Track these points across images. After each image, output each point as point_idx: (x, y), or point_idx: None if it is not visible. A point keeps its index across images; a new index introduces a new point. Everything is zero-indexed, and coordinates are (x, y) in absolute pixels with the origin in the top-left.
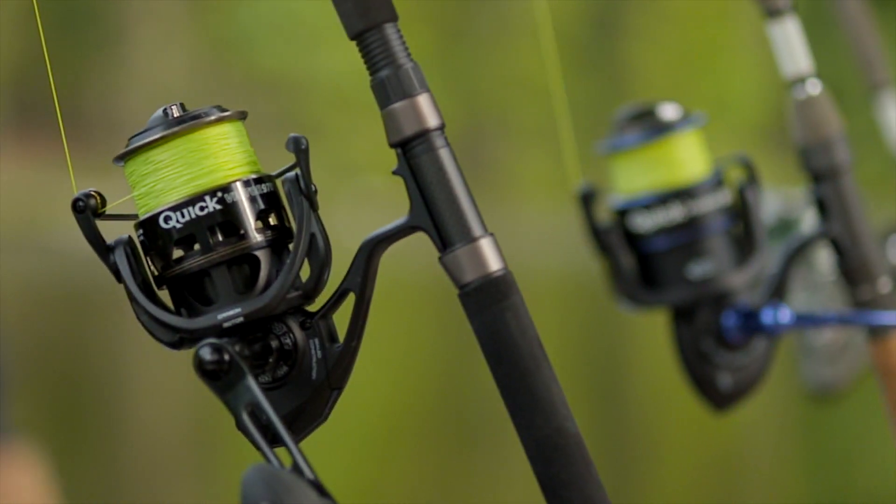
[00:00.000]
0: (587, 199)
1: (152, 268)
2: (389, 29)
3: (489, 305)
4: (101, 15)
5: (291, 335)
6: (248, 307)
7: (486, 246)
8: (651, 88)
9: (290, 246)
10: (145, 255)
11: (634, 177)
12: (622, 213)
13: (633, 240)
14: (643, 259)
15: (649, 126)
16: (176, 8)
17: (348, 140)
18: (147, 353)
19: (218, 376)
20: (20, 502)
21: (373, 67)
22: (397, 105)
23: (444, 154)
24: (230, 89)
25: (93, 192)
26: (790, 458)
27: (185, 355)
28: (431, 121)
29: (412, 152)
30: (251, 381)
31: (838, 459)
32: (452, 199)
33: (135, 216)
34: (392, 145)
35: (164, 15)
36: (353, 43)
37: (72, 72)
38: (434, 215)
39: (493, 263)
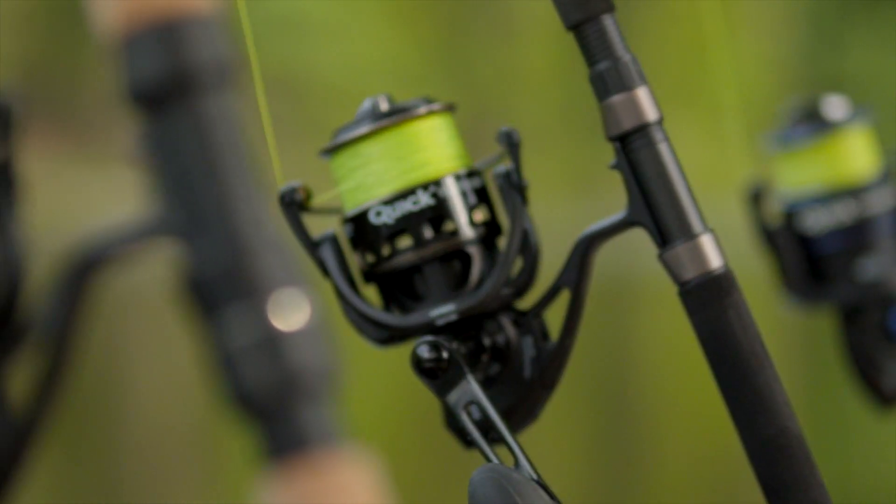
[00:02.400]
0: (756, 198)
1: (360, 263)
2: (607, 20)
3: (711, 303)
4: None
5: (504, 333)
6: (461, 304)
7: (706, 243)
8: (657, 81)
9: (500, 241)
10: (354, 250)
11: (804, 175)
12: (791, 213)
13: (803, 239)
14: (812, 259)
15: (818, 122)
16: None
17: None
18: (149, 353)
19: (436, 374)
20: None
21: (590, 59)
22: (616, 98)
23: (664, 148)
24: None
25: (299, 186)
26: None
27: (184, 357)
28: (651, 114)
29: (631, 146)
30: (472, 379)
31: (839, 456)
32: (673, 194)
33: (338, 211)
34: (610, 139)
35: None
36: (362, 40)
37: (70, 70)
38: (654, 211)
39: (714, 260)
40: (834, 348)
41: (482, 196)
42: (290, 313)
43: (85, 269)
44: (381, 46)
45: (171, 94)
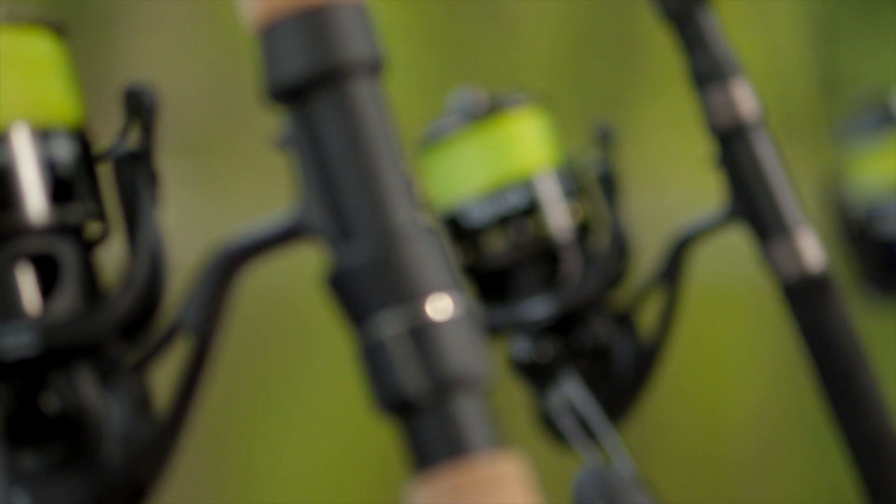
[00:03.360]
0: (834, 194)
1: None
2: (704, 11)
3: (813, 301)
4: (113, 10)
5: (599, 332)
6: (558, 303)
7: (808, 241)
8: (664, 68)
9: (591, 237)
10: None
11: (881, 171)
12: (870, 208)
13: (882, 234)
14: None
15: (888, 117)
16: (189, 6)
17: None
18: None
19: (535, 371)
20: None
21: (687, 52)
22: (714, 92)
23: (764, 143)
24: (245, 88)
25: None
26: (787, 453)
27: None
28: (748, 109)
29: (731, 142)
30: (572, 377)
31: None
32: (774, 191)
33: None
34: (711, 133)
35: (179, 13)
36: None
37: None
38: (755, 208)
39: (817, 259)
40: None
41: (577, 192)
42: (445, 313)
43: (229, 268)
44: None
45: (320, 84)
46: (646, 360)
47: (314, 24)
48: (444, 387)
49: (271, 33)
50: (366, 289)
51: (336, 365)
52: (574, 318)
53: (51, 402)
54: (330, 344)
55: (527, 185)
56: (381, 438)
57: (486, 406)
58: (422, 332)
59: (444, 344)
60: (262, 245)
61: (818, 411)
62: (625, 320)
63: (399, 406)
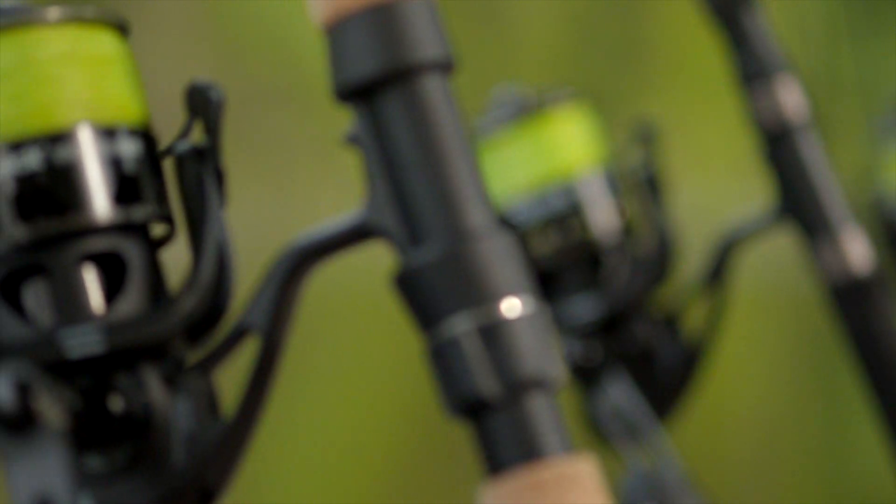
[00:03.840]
0: (876, 200)
1: None
2: (751, 11)
3: (862, 303)
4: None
5: (643, 333)
6: (606, 303)
7: (858, 242)
8: (666, 65)
9: (630, 238)
10: None
11: None
12: None
13: None
14: None
15: None
16: (192, 7)
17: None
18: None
19: (581, 373)
20: None
21: (733, 50)
22: (758, 88)
23: (810, 142)
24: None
25: None
26: (787, 453)
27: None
28: (793, 105)
29: (775, 141)
30: (619, 378)
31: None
32: (822, 191)
33: None
34: (755, 130)
35: (185, 13)
36: None
37: None
38: (803, 209)
39: (865, 260)
40: None
41: (619, 192)
42: (518, 313)
43: (296, 268)
44: None
45: (391, 83)
46: (690, 362)
47: (385, 21)
48: (519, 387)
49: (340, 31)
50: (438, 290)
51: (341, 364)
52: (619, 320)
53: (117, 403)
54: (335, 344)
55: (572, 185)
56: (383, 438)
57: (558, 407)
58: (496, 333)
59: (519, 344)
60: (330, 245)
61: (818, 411)
62: (670, 323)
63: (473, 408)
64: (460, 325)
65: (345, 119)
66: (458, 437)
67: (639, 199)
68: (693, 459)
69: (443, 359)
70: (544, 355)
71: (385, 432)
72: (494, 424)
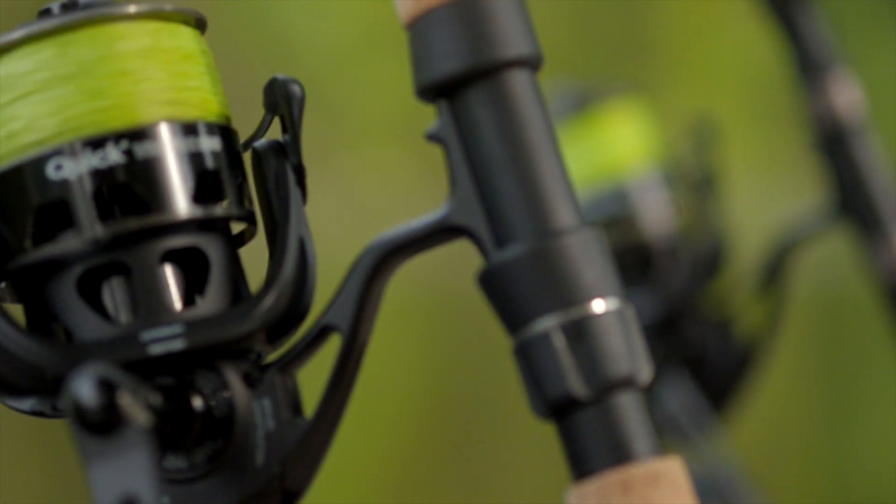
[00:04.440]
0: None
1: None
2: (804, 7)
3: None
4: None
5: (696, 335)
6: (662, 303)
7: None
8: (670, 62)
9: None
10: None
11: None
12: None
13: None
14: None
15: None
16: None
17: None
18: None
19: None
20: None
21: (788, 46)
22: (812, 84)
23: (867, 141)
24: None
25: None
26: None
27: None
28: (847, 102)
29: (833, 141)
30: (679, 379)
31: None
32: (879, 191)
33: None
34: (812, 131)
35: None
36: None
37: None
38: (860, 209)
39: None
40: None
41: (675, 188)
42: (607, 313)
43: (379, 266)
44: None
45: (480, 79)
46: (744, 364)
47: (472, 16)
48: (609, 387)
49: (424, 27)
50: (527, 290)
51: None
52: (672, 322)
53: (198, 402)
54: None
55: (626, 188)
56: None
57: (646, 406)
58: (586, 332)
59: (609, 343)
60: (413, 243)
61: (818, 411)
62: (723, 325)
63: (562, 408)
64: (550, 325)
65: (345, 118)
66: (459, 437)
67: (694, 198)
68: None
69: (532, 358)
70: (633, 354)
71: (384, 433)
72: (584, 424)
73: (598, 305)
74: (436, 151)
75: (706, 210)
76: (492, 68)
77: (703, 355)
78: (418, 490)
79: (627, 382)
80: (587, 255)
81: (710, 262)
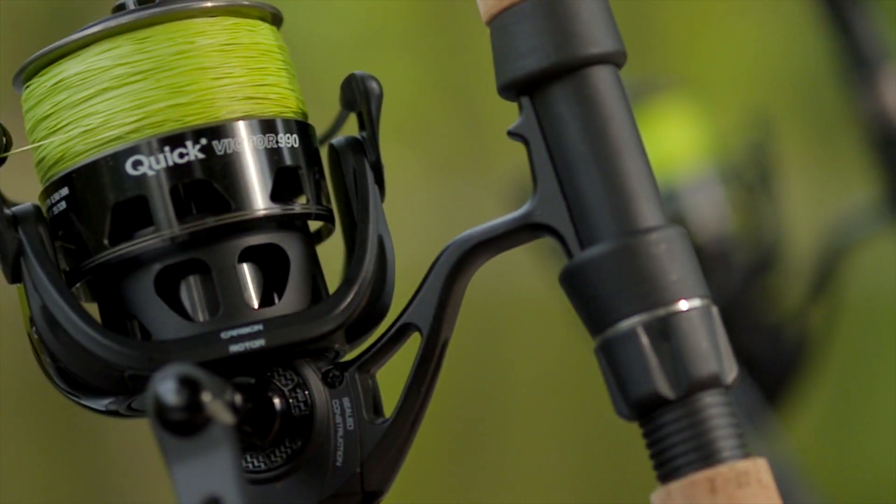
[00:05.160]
0: None
1: None
2: (856, 2)
3: None
4: None
5: (747, 337)
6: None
7: None
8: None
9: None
10: None
11: None
12: None
13: None
14: None
15: None
16: None
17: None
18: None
19: None
20: None
21: (839, 41)
22: (860, 82)
23: None
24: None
25: None
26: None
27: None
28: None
29: (883, 137)
30: (741, 378)
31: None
32: None
33: None
34: (863, 128)
35: None
36: (416, 56)
37: None
38: None
39: None
40: None
41: (729, 186)
42: (694, 313)
43: (460, 264)
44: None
45: (564, 76)
46: (795, 366)
47: (556, 13)
48: (696, 387)
49: (506, 23)
50: (613, 290)
51: None
52: (726, 323)
53: (277, 401)
54: None
55: (676, 189)
56: None
57: (732, 405)
58: (673, 332)
59: (696, 343)
60: (495, 240)
61: (819, 411)
62: (775, 327)
63: (648, 408)
64: (636, 323)
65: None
66: (459, 437)
67: (748, 198)
68: None
69: (616, 357)
70: (719, 354)
71: None
72: (670, 425)
73: (685, 304)
74: (437, 150)
75: (760, 210)
76: (576, 65)
77: (756, 357)
78: (418, 490)
79: (714, 382)
80: (674, 254)
81: (764, 263)
